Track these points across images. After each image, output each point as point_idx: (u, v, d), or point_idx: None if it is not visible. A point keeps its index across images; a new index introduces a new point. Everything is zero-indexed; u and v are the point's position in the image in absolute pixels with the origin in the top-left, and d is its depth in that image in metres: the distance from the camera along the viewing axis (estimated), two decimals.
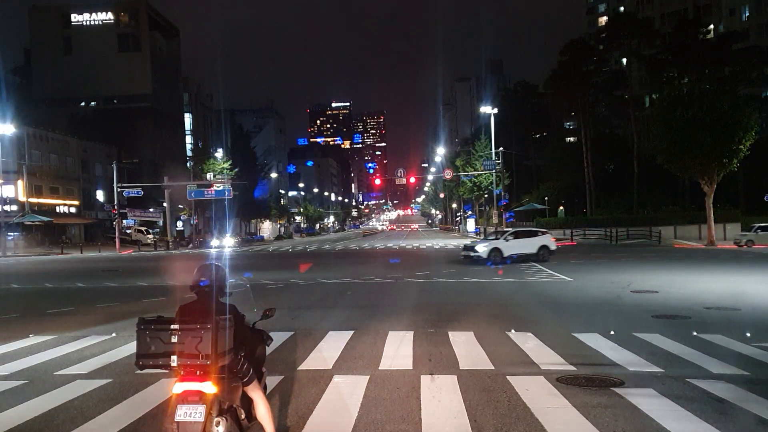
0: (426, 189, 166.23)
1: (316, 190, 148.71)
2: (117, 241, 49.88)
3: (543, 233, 26.73)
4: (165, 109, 75.79)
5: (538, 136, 78.46)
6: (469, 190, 71.51)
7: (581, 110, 61.45)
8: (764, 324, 10.28)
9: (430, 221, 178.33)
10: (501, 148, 53.38)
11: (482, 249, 24.78)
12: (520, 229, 29.12)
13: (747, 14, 70.93)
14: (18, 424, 5.64)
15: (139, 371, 4.09)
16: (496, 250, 24.54)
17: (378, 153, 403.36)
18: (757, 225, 36.39)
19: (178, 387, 3.80)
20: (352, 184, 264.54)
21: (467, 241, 28.73)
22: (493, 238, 26.63)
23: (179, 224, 64.82)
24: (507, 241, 25.19)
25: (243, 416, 4.19)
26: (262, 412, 4.28)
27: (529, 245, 25.14)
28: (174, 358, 3.72)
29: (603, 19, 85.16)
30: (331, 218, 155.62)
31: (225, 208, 59.29)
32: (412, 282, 18.58)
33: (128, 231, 58.58)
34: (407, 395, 6.31)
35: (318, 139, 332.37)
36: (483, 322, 10.72)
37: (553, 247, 25.54)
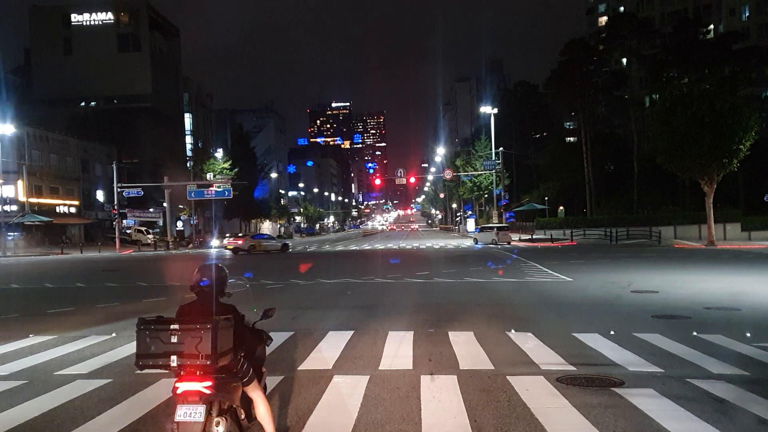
0: (426, 189, 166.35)
1: (316, 190, 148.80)
2: (117, 241, 49.90)
3: None
4: (165, 109, 75.81)
5: (538, 136, 78.49)
6: (469, 190, 71.64)
7: (581, 110, 61.42)
8: (764, 324, 10.26)
9: (430, 221, 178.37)
10: (501, 148, 53.50)
11: None
12: None
13: (747, 14, 71.02)
14: (18, 424, 5.64)
15: (139, 371, 4.09)
16: None
17: (378, 153, 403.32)
18: (496, 226, 37.06)
19: (178, 387, 3.81)
20: (352, 184, 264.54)
21: None
22: None
23: (179, 224, 64.77)
24: None
25: (243, 416, 4.19)
26: (262, 412, 4.28)
27: None
28: (174, 358, 3.72)
29: (603, 19, 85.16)
30: (331, 218, 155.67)
31: (225, 208, 59.32)
32: (412, 282, 18.55)
33: (128, 231, 58.60)
34: (407, 395, 6.30)
35: (318, 139, 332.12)
36: (483, 322, 10.71)
37: None
